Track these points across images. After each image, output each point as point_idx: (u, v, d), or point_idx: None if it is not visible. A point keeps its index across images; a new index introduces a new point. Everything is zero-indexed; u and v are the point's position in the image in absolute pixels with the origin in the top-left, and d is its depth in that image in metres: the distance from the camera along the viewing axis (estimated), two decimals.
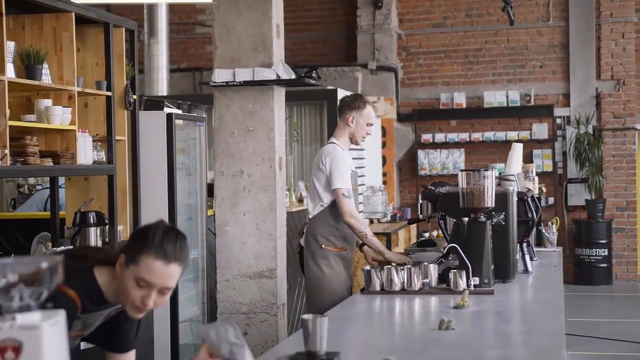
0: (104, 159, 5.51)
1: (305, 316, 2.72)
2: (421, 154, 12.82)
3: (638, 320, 9.95)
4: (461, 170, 4.45)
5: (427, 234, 12.32)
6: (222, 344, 2.54)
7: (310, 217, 5.27)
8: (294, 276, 7.35)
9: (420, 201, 5.19)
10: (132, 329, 2.89)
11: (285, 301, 5.94)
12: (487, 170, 4.41)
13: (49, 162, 4.89)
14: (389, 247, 8.89)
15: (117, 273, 2.62)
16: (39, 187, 8.99)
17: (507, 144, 12.44)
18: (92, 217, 5.35)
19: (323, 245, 5.16)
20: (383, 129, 12.30)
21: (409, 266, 4.31)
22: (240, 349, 2.54)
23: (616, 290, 11.95)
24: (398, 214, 11.13)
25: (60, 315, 1.78)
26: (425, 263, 4.37)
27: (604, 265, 12.15)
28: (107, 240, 5.53)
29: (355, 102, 5.28)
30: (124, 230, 5.77)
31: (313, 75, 6.08)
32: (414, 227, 11.17)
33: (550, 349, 2.92)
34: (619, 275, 12.43)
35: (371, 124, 5.30)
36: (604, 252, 12.12)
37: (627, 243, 12.48)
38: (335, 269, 5.15)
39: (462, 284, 4.16)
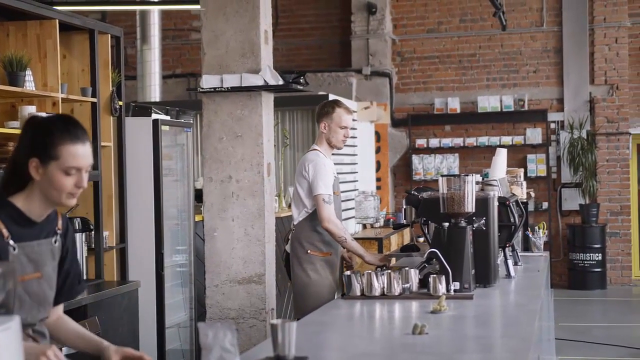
0: None
1: (273, 321, 2.75)
2: (415, 159, 12.83)
3: (631, 324, 9.96)
4: (442, 176, 4.47)
5: (421, 239, 12.33)
6: (215, 347, 2.56)
7: (295, 223, 5.35)
8: (283, 281, 7.36)
9: (404, 206, 5.21)
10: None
11: (274, 306, 5.95)
12: (468, 175, 4.42)
13: None
14: (380, 252, 8.90)
15: (35, 177, 2.65)
16: None
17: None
18: (77, 223, 5.36)
19: (309, 251, 5.25)
20: (377, 134, 12.33)
21: (389, 271, 4.32)
22: (232, 357, 2.56)
23: (610, 294, 11.95)
24: (392, 219, 11.14)
25: (14, 321, 1.80)
26: (407, 268, 4.39)
27: (598, 269, 12.15)
28: (92, 246, 5.55)
29: (325, 108, 5.40)
30: (109, 236, 5.78)
31: (301, 81, 6.10)
32: (407, 232, 11.18)
33: (517, 352, 2.94)
34: (613, 280, 12.44)
35: (345, 127, 5.36)
36: (598, 256, 12.12)
37: (621, 247, 12.48)
38: (321, 274, 5.21)
39: (442, 288, 4.17)
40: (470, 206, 4.39)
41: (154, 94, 10.57)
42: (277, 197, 8.03)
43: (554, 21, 12.66)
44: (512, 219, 5.01)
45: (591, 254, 12.11)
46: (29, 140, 2.68)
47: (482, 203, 4.54)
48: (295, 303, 5.41)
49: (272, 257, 5.98)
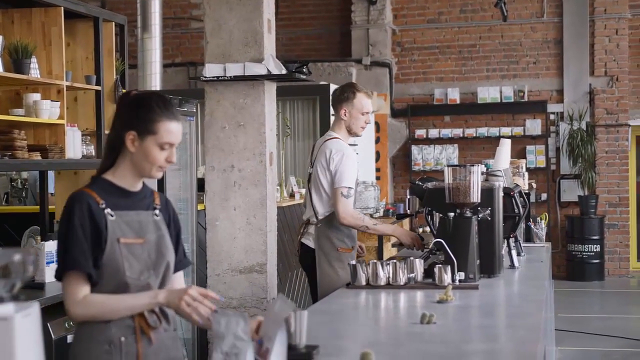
0: (94, 153, 5.52)
1: None
2: (415, 149, 12.84)
3: (629, 315, 9.99)
4: (447, 166, 4.46)
5: (421, 229, 12.34)
6: (228, 334, 2.58)
7: (319, 217, 5.11)
8: (284, 271, 7.37)
9: (408, 196, 5.20)
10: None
11: (276, 296, 5.96)
12: (473, 165, 4.42)
13: (37, 156, 4.90)
14: (380, 242, 8.90)
15: (130, 149, 2.81)
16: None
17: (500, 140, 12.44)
18: None
19: (339, 248, 5.06)
20: (377, 124, 12.33)
21: (395, 261, 4.32)
22: (245, 345, 2.57)
23: (608, 286, 11.99)
24: (391, 210, 11.15)
25: (33, 308, 1.80)
26: (412, 258, 4.40)
27: (596, 261, 12.18)
28: None
29: (344, 93, 5.15)
30: None
31: (304, 70, 6.09)
32: (407, 222, 11.20)
33: (527, 342, 2.95)
34: (611, 272, 12.47)
35: (366, 112, 5.14)
36: (596, 248, 12.15)
37: (620, 239, 12.51)
38: (347, 270, 5.05)
39: (447, 278, 4.18)
40: (475, 196, 4.39)
41: (155, 82, 10.49)
42: (278, 187, 8.03)
43: (554, 12, 12.65)
44: (516, 210, 5.02)
45: (589, 246, 12.13)
46: (128, 115, 2.84)
47: (488, 193, 4.54)
48: (321, 298, 5.27)
49: (274, 247, 5.98)
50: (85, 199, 2.76)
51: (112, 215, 2.78)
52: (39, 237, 5.42)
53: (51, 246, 5.04)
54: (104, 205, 2.78)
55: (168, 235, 2.93)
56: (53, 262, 4.83)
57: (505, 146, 5.53)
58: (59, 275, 2.78)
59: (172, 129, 2.81)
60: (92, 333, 2.78)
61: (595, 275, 12.16)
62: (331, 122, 9.66)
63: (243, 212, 5.80)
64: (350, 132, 5.18)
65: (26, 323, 1.77)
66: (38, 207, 5.99)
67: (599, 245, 12.16)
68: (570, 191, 12.49)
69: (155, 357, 2.83)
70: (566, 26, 12.55)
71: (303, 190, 8.30)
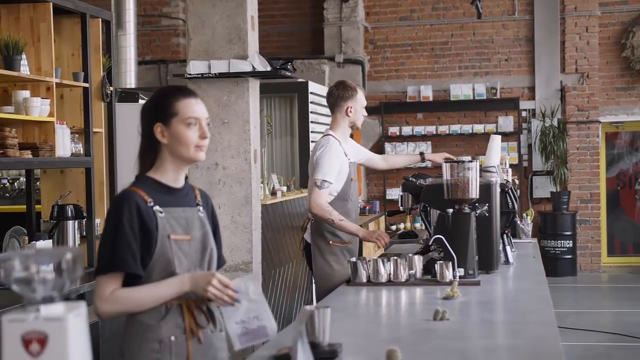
0: (82, 152, 5.44)
1: (308, 307, 2.72)
2: (388, 147, 12.85)
3: (603, 310, 10.09)
4: (445, 162, 4.46)
5: (394, 227, 12.37)
6: (241, 300, 2.55)
7: (313, 212, 5.11)
8: (268, 269, 7.33)
9: (401, 193, 5.18)
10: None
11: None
12: (472, 161, 4.42)
13: (27, 155, 4.82)
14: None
15: (162, 141, 2.80)
16: (4, 181, 8.87)
17: (473, 137, 12.55)
18: (70, 210, 5.27)
19: (331, 242, 5.12)
20: None
21: (395, 257, 4.30)
22: (261, 305, 2.54)
23: (580, 281, 12.11)
24: (367, 207, 11.18)
25: (82, 307, 1.76)
26: (410, 254, 4.38)
27: (569, 256, 12.29)
28: (84, 233, 5.46)
29: (347, 91, 5.23)
30: (101, 223, 5.69)
31: (288, 67, 6.07)
32: (382, 219, 11.23)
33: (547, 338, 2.95)
34: (583, 267, 12.59)
35: (364, 106, 5.33)
36: (568, 243, 12.26)
37: (591, 235, 12.64)
38: (343, 264, 5.03)
39: (449, 275, 4.18)
40: (474, 192, 4.39)
41: (130, 80, 10.41)
42: (261, 185, 7.98)
43: (525, 10, 12.74)
44: (510, 205, 5.03)
45: (562, 241, 12.24)
46: (148, 113, 2.84)
47: (485, 189, 4.55)
48: (317, 293, 5.28)
49: (259, 245, 5.95)
50: (133, 198, 2.75)
51: (161, 212, 2.78)
52: (25, 237, 5.32)
53: (42, 246, 4.96)
54: (152, 203, 2.77)
55: (211, 232, 2.91)
56: None
57: (496, 142, 5.54)
58: (100, 273, 2.76)
59: (191, 104, 2.81)
60: (143, 331, 2.75)
61: (568, 271, 12.27)
62: (310, 119, 9.71)
63: (228, 210, 5.77)
64: (353, 128, 5.30)
65: (77, 323, 1.73)
66: (22, 206, 5.89)
67: (571, 241, 12.27)
68: (543, 187, 12.59)
69: (203, 358, 2.80)
70: (537, 24, 12.64)
71: (285, 188, 8.28)
